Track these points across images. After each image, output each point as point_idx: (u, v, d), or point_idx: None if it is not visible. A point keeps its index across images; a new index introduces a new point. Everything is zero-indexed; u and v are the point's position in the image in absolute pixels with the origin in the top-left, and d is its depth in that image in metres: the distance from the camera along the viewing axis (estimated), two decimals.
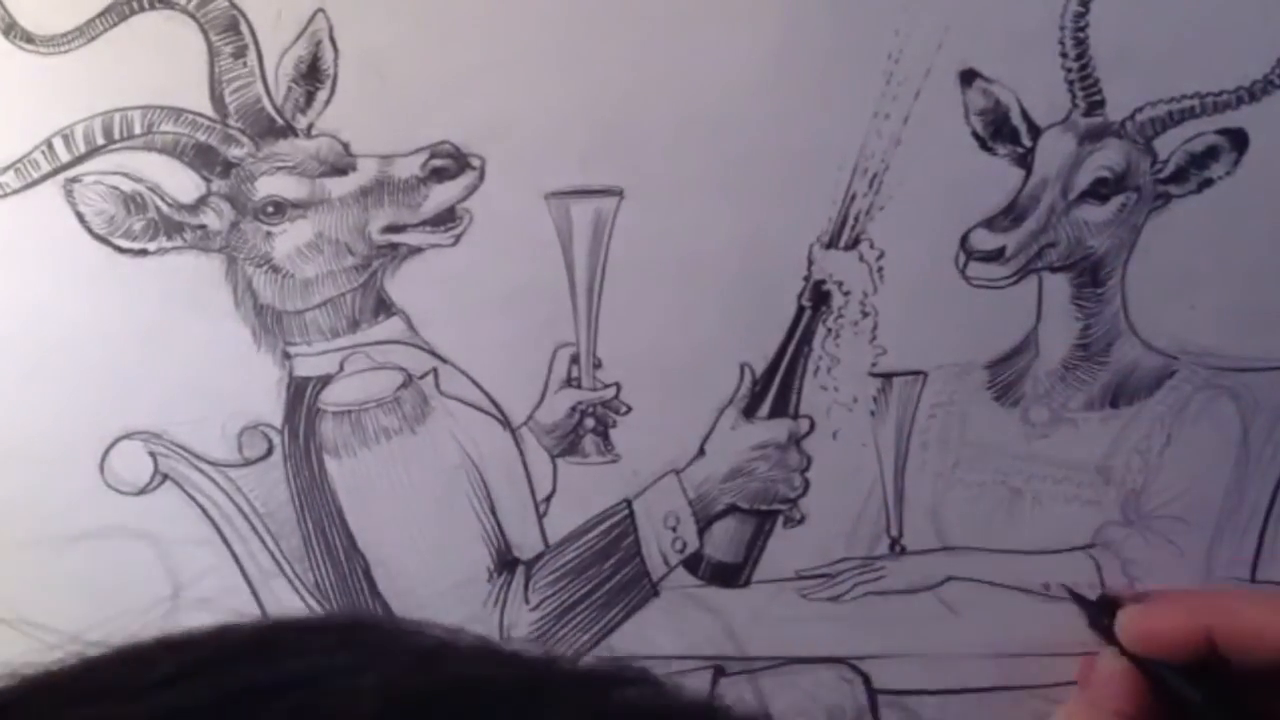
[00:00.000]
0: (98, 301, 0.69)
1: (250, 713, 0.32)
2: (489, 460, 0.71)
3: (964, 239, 0.68)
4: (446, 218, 0.68)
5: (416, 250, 0.69)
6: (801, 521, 0.72)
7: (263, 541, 0.72)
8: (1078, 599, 0.70)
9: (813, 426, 0.71)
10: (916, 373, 0.70)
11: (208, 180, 0.68)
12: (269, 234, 0.69)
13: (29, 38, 0.66)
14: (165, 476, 0.71)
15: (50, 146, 0.67)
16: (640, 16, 0.65)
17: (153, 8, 0.66)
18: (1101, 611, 0.66)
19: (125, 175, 0.67)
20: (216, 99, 0.67)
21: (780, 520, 0.72)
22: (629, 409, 0.71)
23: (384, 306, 0.70)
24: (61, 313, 0.69)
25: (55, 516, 0.71)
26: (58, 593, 0.72)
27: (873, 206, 0.67)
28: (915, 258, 0.68)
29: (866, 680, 0.73)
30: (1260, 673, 0.59)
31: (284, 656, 0.35)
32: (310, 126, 0.67)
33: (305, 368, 0.70)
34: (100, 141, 0.67)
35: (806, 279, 0.69)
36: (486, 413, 0.71)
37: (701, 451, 0.71)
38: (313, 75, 0.67)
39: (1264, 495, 0.71)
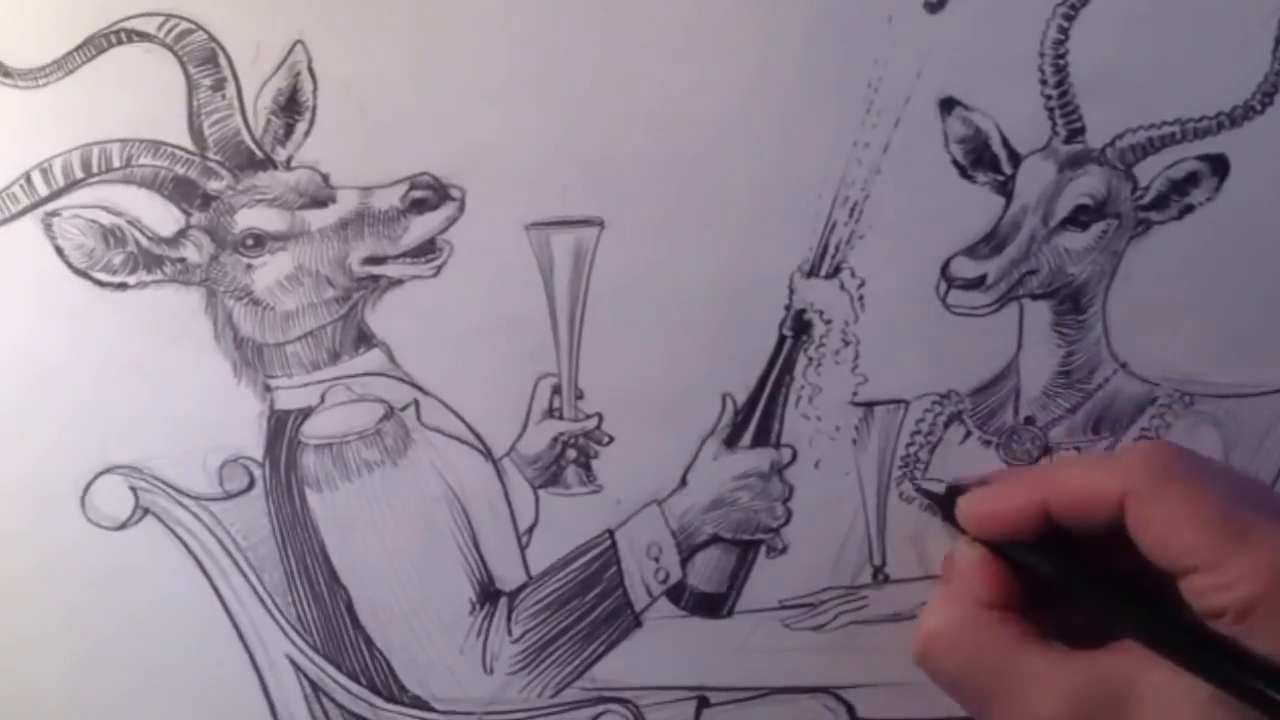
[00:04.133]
0: (77, 336, 0.67)
1: None
2: (471, 492, 0.69)
3: (945, 267, 0.66)
4: (427, 249, 0.66)
5: (397, 282, 0.67)
6: (784, 551, 0.70)
7: (244, 575, 0.69)
8: (926, 494, 0.68)
9: (795, 456, 0.69)
10: (898, 401, 0.68)
11: (187, 213, 0.66)
12: (249, 267, 0.66)
13: (7, 71, 0.64)
14: (146, 511, 0.68)
15: (29, 180, 0.65)
16: (620, 47, 0.64)
17: (131, 41, 0.64)
18: (950, 503, 0.64)
19: (104, 209, 0.65)
20: (195, 132, 0.65)
21: (763, 550, 0.70)
22: (611, 439, 0.69)
23: (365, 339, 0.68)
24: (41, 347, 0.67)
25: (36, 552, 0.69)
26: (38, 628, 0.70)
27: (853, 235, 0.66)
28: (896, 286, 0.67)
29: (850, 710, 0.71)
30: (1099, 535, 0.57)
31: None
32: (290, 159, 0.65)
33: (286, 400, 0.68)
34: (79, 175, 0.65)
35: (788, 308, 0.67)
36: (468, 444, 0.68)
37: (684, 482, 0.69)
38: (292, 107, 0.65)
39: None
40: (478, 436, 0.68)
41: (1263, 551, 0.51)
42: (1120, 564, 0.56)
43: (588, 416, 0.68)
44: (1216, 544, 0.52)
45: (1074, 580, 0.59)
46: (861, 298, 0.67)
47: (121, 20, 0.63)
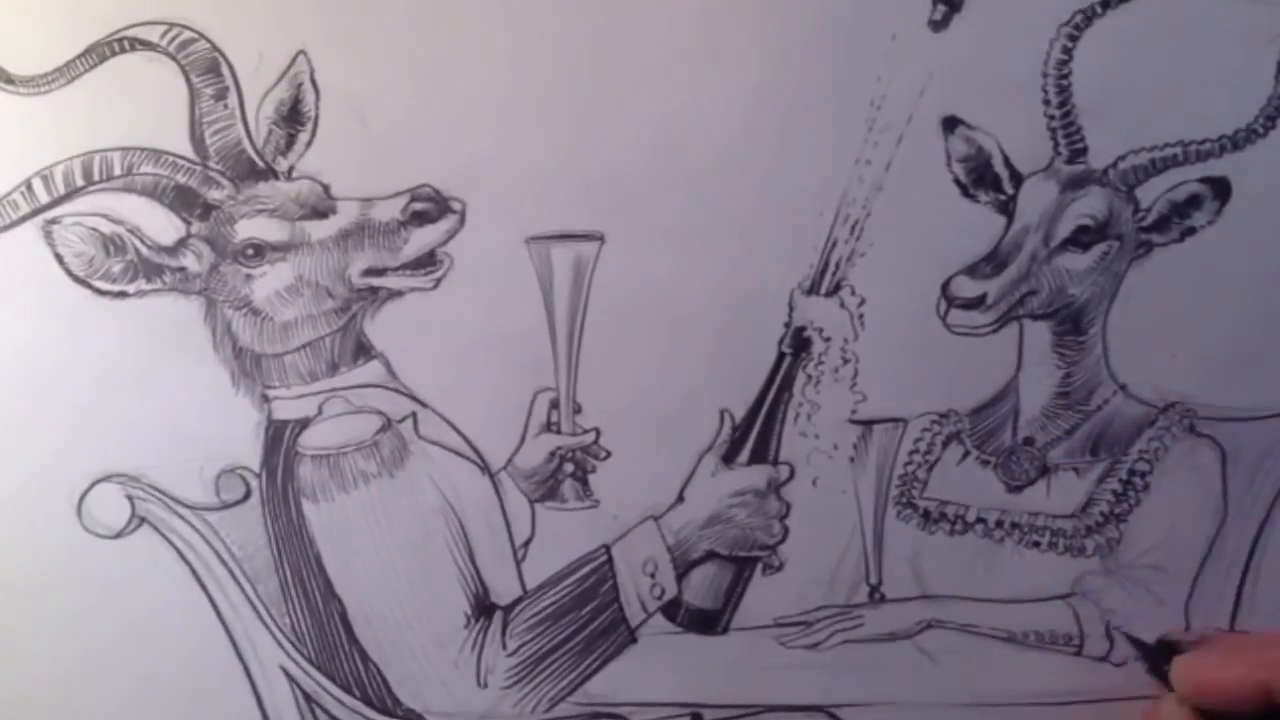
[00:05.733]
0: (76, 344, 0.66)
1: None
2: (467, 505, 0.68)
3: (945, 286, 0.66)
4: (427, 261, 0.66)
5: (396, 294, 0.66)
6: (780, 568, 0.69)
7: (239, 585, 0.68)
8: (1137, 644, 0.67)
9: (792, 473, 0.68)
10: (897, 420, 0.68)
11: (187, 222, 0.65)
12: (248, 276, 0.66)
13: (9, 78, 0.64)
14: (142, 520, 0.67)
15: (29, 187, 0.64)
16: (623, 63, 0.64)
17: (133, 49, 0.63)
18: (1160, 657, 0.64)
19: (105, 217, 0.65)
20: (197, 141, 0.64)
21: (759, 567, 0.69)
22: (608, 454, 0.68)
23: (363, 350, 0.67)
24: (39, 354, 0.66)
25: (32, 559, 0.68)
26: (33, 634, 0.69)
27: (854, 253, 0.65)
28: (896, 304, 0.66)
29: None
30: None
31: None
32: (291, 169, 0.65)
33: (284, 411, 0.67)
34: (80, 183, 0.64)
35: (787, 325, 0.66)
36: (465, 457, 0.68)
37: (681, 498, 0.68)
38: (294, 118, 0.64)
39: (1243, 545, 0.68)
40: (475, 450, 0.68)
41: None
42: None
43: (585, 431, 0.67)
44: None
45: None
46: (861, 315, 0.66)
47: (124, 28, 0.63)
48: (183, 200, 0.65)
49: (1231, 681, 0.59)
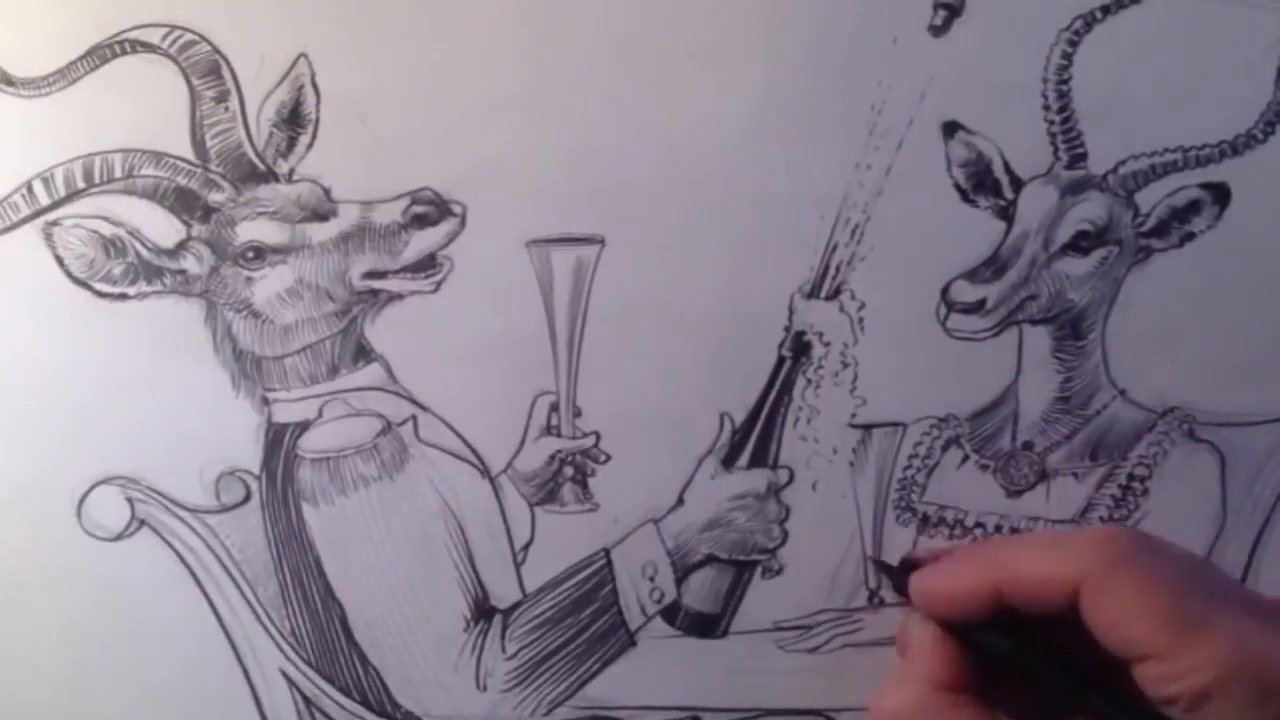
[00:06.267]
0: (76, 346, 0.66)
1: None
2: (467, 508, 0.68)
3: (945, 291, 0.66)
4: (427, 264, 0.65)
5: (397, 297, 0.66)
6: (780, 572, 0.68)
7: (239, 588, 0.68)
8: (882, 567, 0.67)
9: (792, 477, 0.68)
10: (896, 424, 0.67)
11: (188, 225, 0.65)
12: (249, 279, 0.65)
13: (9, 80, 0.63)
14: (142, 522, 0.67)
15: (30, 189, 0.64)
16: (623, 65, 0.64)
17: (134, 51, 0.63)
18: (904, 576, 0.60)
19: (105, 219, 0.65)
20: (198, 143, 0.64)
21: (759, 571, 0.68)
22: (608, 458, 0.68)
23: (364, 353, 0.67)
24: (39, 356, 0.66)
25: (31, 561, 0.67)
26: (32, 637, 0.68)
27: (854, 257, 0.65)
28: (896, 309, 0.66)
29: None
30: (1053, 617, 0.54)
31: None
32: (291, 172, 0.65)
33: (284, 414, 0.67)
34: (80, 185, 0.64)
35: (787, 329, 0.66)
36: (465, 460, 0.68)
37: (680, 501, 0.68)
38: (294, 120, 0.64)
39: (1243, 549, 0.68)
40: (475, 453, 0.67)
41: (1216, 642, 0.50)
42: (1075, 645, 0.54)
43: (585, 434, 0.67)
44: (1169, 633, 0.51)
45: (1031, 661, 0.56)
46: (861, 320, 0.66)
47: (125, 31, 0.63)
48: (183, 202, 0.64)
49: (965, 589, 0.57)
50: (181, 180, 0.64)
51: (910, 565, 0.60)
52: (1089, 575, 0.53)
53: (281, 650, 0.68)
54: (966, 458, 0.67)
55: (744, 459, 0.67)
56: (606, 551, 0.68)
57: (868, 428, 0.67)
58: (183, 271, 0.65)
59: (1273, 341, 0.66)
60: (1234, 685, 0.49)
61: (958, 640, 0.57)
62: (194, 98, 0.63)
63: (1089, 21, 0.63)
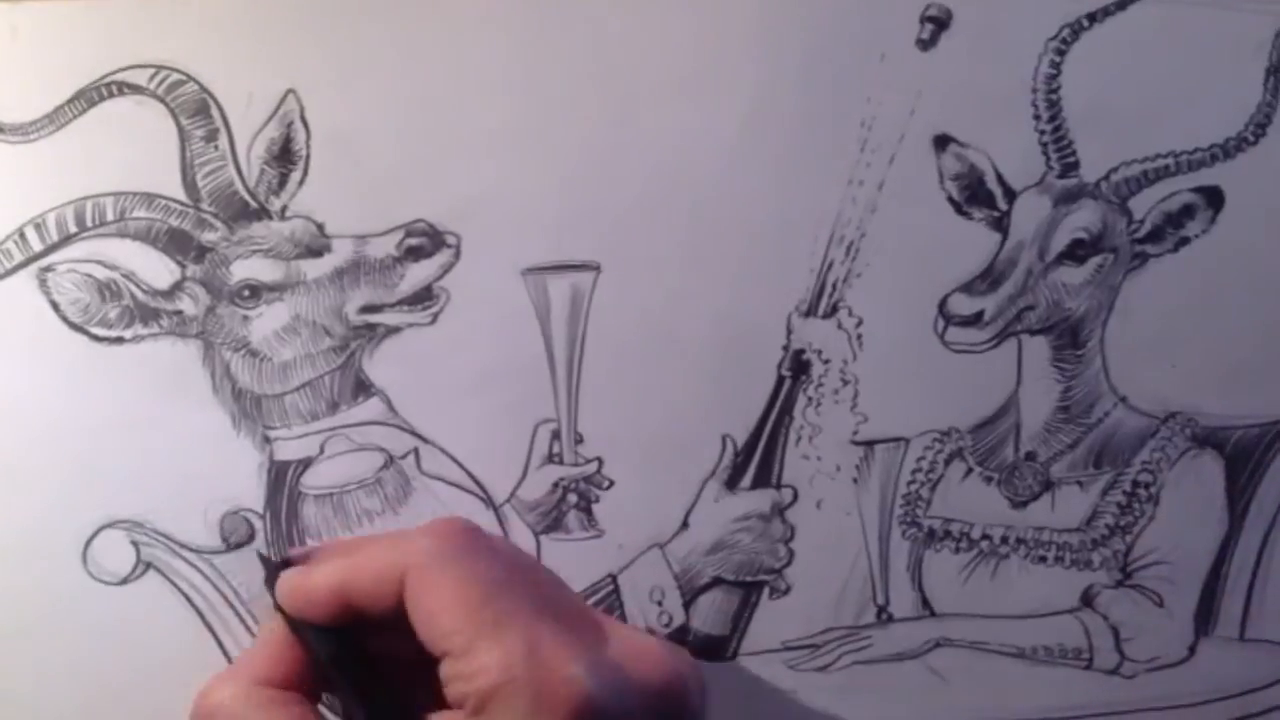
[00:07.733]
0: (75, 391, 0.65)
1: None
2: None
3: (942, 304, 0.65)
4: (423, 296, 0.65)
5: (394, 330, 0.65)
6: (787, 592, 0.68)
7: (247, 628, 0.67)
8: (262, 560, 0.62)
9: (796, 496, 0.67)
10: (898, 439, 0.67)
11: (182, 265, 0.64)
12: (245, 318, 0.65)
13: None
14: (148, 565, 0.66)
15: (22, 235, 0.63)
16: (612, 91, 0.63)
17: (122, 93, 0.63)
18: (274, 574, 0.59)
19: (99, 263, 0.64)
20: (189, 183, 0.64)
21: (766, 591, 0.68)
22: (611, 484, 0.67)
23: (363, 387, 0.66)
24: (38, 403, 0.65)
25: (39, 608, 0.67)
26: (41, 683, 0.67)
27: (850, 274, 0.65)
28: (894, 324, 0.66)
29: None
30: (391, 617, 0.53)
31: None
32: (284, 208, 0.64)
33: (286, 451, 0.66)
34: (73, 229, 0.63)
35: (786, 348, 0.66)
36: (469, 491, 0.67)
37: (685, 524, 0.67)
38: (285, 157, 0.64)
39: (1250, 553, 0.67)
40: (478, 483, 0.67)
41: (507, 643, 0.49)
42: (413, 649, 0.53)
43: (588, 461, 0.67)
44: (470, 630, 0.50)
45: (343, 668, 0.55)
46: (859, 336, 0.65)
47: (112, 73, 0.62)
48: (177, 243, 0.64)
49: (312, 588, 0.55)
50: (174, 221, 0.64)
51: (285, 563, 0.58)
52: (413, 567, 0.52)
53: None
54: (970, 470, 0.67)
55: (747, 480, 0.67)
56: (613, 578, 0.67)
57: (870, 444, 0.67)
58: (179, 312, 0.64)
59: (1272, 342, 0.65)
60: (513, 690, 0.49)
61: (296, 639, 0.57)
62: (183, 138, 0.63)
63: (1076, 30, 0.62)
